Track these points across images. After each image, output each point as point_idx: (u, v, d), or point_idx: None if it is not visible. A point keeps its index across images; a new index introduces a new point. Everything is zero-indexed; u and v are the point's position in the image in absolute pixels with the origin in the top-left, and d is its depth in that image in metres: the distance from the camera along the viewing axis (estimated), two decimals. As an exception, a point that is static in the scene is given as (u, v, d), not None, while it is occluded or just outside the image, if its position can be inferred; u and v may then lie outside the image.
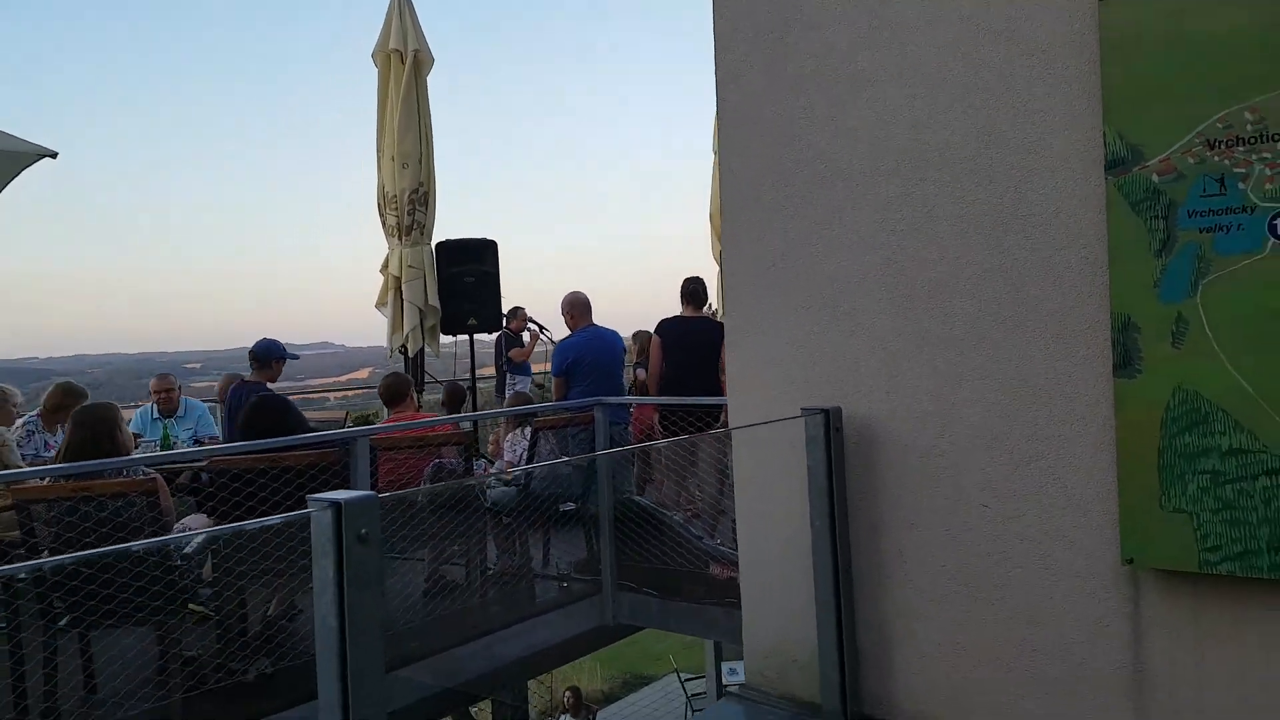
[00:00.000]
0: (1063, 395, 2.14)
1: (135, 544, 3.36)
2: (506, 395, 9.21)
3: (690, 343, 6.14)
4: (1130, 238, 1.98)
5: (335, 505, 1.32)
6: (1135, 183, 1.98)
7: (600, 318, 6.62)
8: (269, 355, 5.91)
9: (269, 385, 5.84)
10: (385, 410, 6.12)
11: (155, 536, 3.65)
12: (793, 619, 2.59)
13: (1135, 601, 2.04)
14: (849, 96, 2.45)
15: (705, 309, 6.47)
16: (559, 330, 7.53)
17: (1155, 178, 1.96)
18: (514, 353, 9.28)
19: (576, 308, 6.56)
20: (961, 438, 2.30)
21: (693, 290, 6.29)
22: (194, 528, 4.10)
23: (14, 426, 5.47)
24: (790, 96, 2.55)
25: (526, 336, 9.43)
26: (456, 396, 7.55)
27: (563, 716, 12.73)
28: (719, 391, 5.87)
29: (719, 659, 10.31)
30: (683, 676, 14.01)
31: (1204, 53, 1.90)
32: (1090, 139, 2.08)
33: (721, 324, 6.30)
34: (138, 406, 6.79)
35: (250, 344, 6.01)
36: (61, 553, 3.56)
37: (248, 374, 5.97)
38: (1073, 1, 2.10)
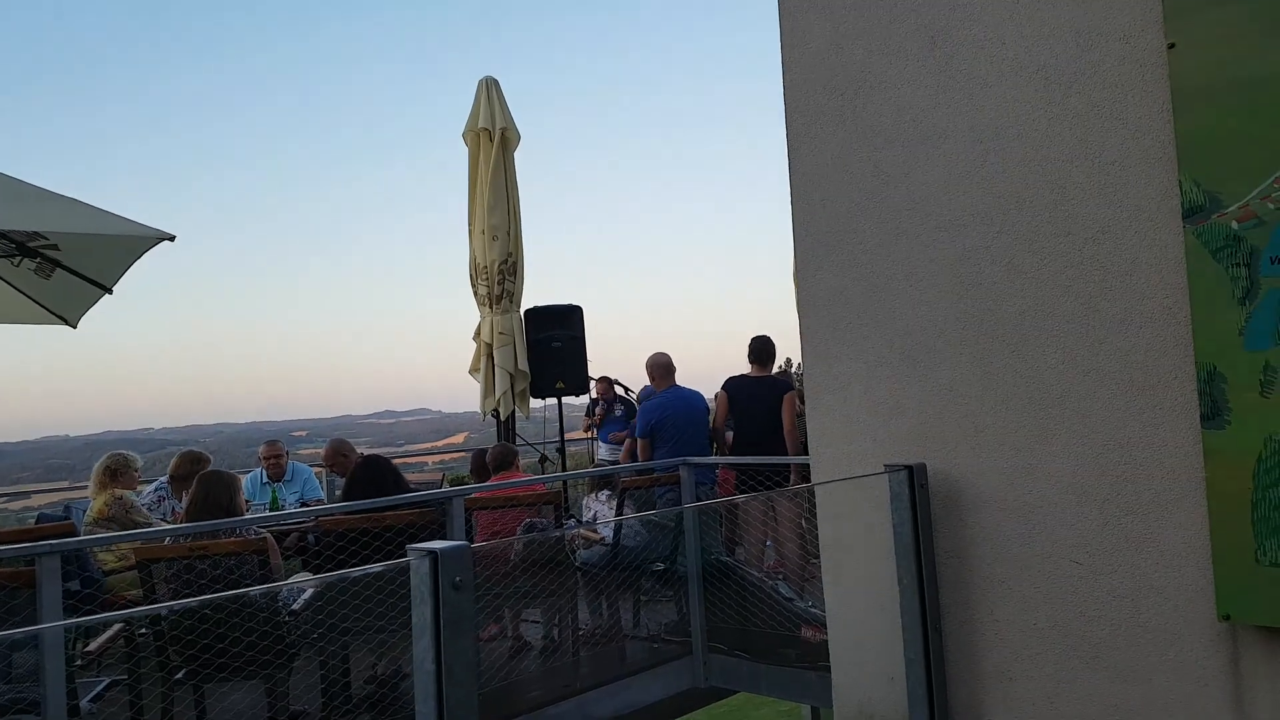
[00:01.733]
0: (1151, 448, 2.10)
1: (242, 591, 3.54)
2: (597, 457, 9.35)
3: (753, 402, 6.20)
4: (1212, 286, 1.97)
5: (432, 554, 1.41)
6: (1214, 231, 1.97)
7: (685, 378, 6.71)
8: None
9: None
10: (490, 475, 6.33)
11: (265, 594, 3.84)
12: (883, 680, 2.57)
13: (1235, 659, 1.96)
14: (921, 153, 2.50)
15: (777, 366, 6.51)
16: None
17: (1235, 225, 1.95)
18: (586, 421, 9.48)
19: (659, 369, 6.67)
20: (1049, 493, 2.27)
21: (757, 348, 6.37)
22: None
23: (147, 490, 5.85)
24: (862, 154, 2.61)
25: (599, 408, 9.58)
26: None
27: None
28: (782, 450, 5.90)
29: (816, 724, 10.01)
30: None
31: (1276, 97, 1.90)
32: (1166, 188, 2.08)
33: (784, 382, 6.33)
34: (248, 473, 7.14)
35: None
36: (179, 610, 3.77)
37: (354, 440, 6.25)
38: (1142, 50, 2.12)
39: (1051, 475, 2.26)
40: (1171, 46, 2.04)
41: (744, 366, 6.50)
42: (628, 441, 8.40)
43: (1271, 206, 1.90)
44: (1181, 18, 2.02)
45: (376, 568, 1.94)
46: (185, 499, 5.21)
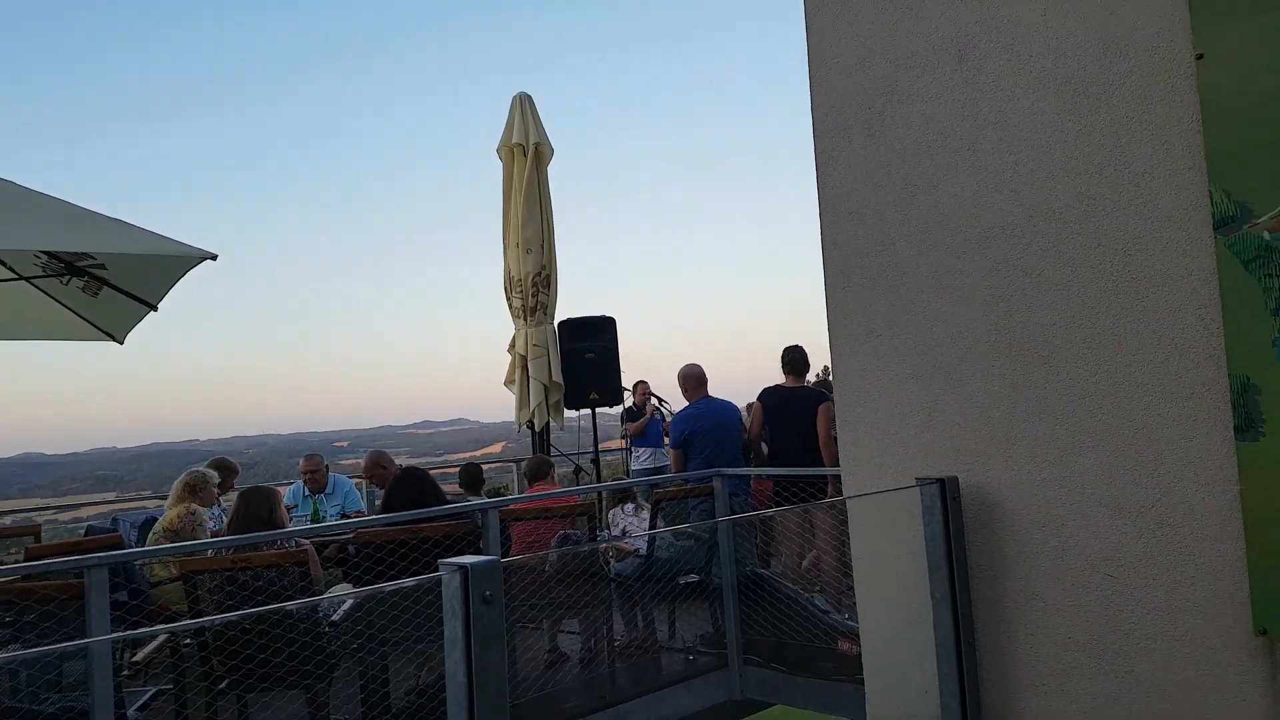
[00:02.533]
0: (1184, 460, 2.08)
1: (279, 605, 3.61)
2: (631, 468, 9.36)
3: (788, 413, 6.19)
4: (1244, 297, 1.95)
5: (462, 569, 1.45)
6: (1246, 241, 1.96)
7: (720, 389, 6.72)
8: None
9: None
10: (526, 484, 6.42)
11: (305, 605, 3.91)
12: (916, 693, 2.56)
13: (1273, 673, 1.94)
14: (950, 165, 2.50)
15: (815, 374, 6.50)
16: (677, 403, 7.65)
17: (1267, 235, 1.93)
18: (630, 427, 9.45)
19: (691, 380, 6.69)
20: (1083, 505, 2.26)
21: (791, 359, 6.37)
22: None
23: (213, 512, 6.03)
24: (890, 168, 2.62)
25: (650, 405, 9.57)
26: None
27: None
28: (817, 461, 5.89)
29: (854, 738, 9.92)
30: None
31: (1309, 108, 1.88)
32: (1197, 199, 2.06)
33: (819, 393, 6.32)
34: (290, 485, 7.28)
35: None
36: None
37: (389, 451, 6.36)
38: (1171, 61, 2.11)
39: (1084, 488, 2.25)
40: (1200, 57, 2.03)
41: (779, 377, 6.50)
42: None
43: (1304, 216, 1.88)
44: (1210, 29, 2.01)
45: (409, 582, 1.98)
46: (219, 507, 5.37)
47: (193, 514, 5.14)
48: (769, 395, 6.37)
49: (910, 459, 2.57)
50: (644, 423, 9.44)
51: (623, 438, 9.54)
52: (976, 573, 2.45)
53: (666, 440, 8.32)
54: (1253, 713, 1.98)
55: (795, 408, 6.20)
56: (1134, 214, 2.18)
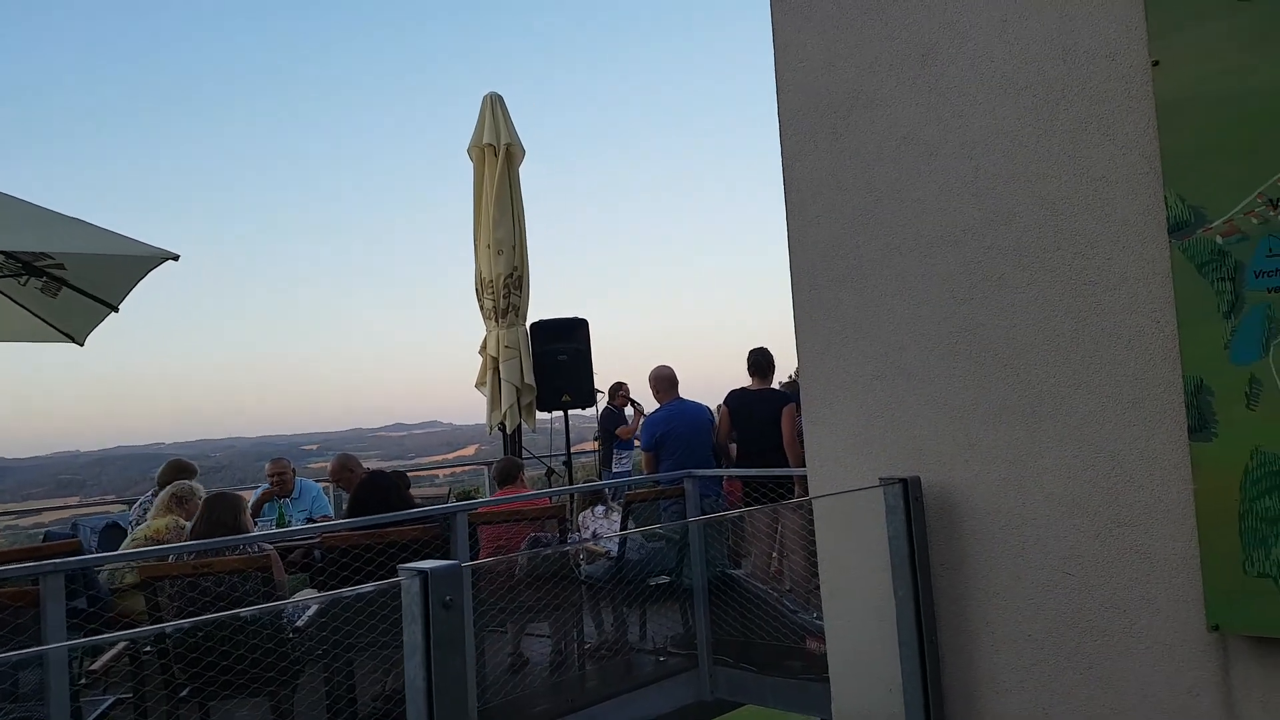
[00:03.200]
0: (1141, 460, 2.12)
1: (243, 610, 3.57)
2: (614, 470, 9.32)
3: (753, 415, 6.25)
4: (1198, 300, 1.99)
5: (422, 574, 1.44)
6: (1200, 245, 1.99)
7: (690, 390, 6.74)
8: None
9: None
10: (496, 487, 6.41)
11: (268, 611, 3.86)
12: (880, 691, 2.58)
13: (1225, 668, 1.97)
14: (913, 169, 2.53)
15: (787, 376, 6.55)
16: (650, 405, 7.65)
17: (1219, 239, 1.96)
18: (620, 430, 9.35)
19: (662, 382, 6.70)
20: (1042, 505, 2.29)
21: (755, 361, 6.42)
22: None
23: (134, 506, 5.99)
24: (855, 171, 2.64)
25: (630, 412, 9.52)
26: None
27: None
28: (783, 461, 5.94)
29: (824, 736, 9.97)
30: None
31: (1259, 112, 1.92)
32: (1153, 203, 2.10)
33: (782, 394, 6.38)
34: (256, 488, 7.19)
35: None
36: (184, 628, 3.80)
37: (360, 454, 6.31)
38: (1128, 67, 2.15)
39: (1043, 487, 2.28)
40: (1156, 64, 2.06)
41: (749, 379, 6.54)
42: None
43: (1255, 221, 1.92)
44: (1165, 35, 2.05)
45: (369, 588, 1.96)
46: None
47: (180, 528, 5.09)
48: (733, 398, 6.44)
49: (874, 459, 2.60)
50: (635, 425, 9.27)
51: (594, 438, 9.49)
52: (939, 571, 2.47)
53: (637, 443, 8.32)
54: (1206, 706, 2.01)
55: (759, 410, 6.25)
56: (1092, 218, 2.21)
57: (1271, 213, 1.90)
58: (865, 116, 2.62)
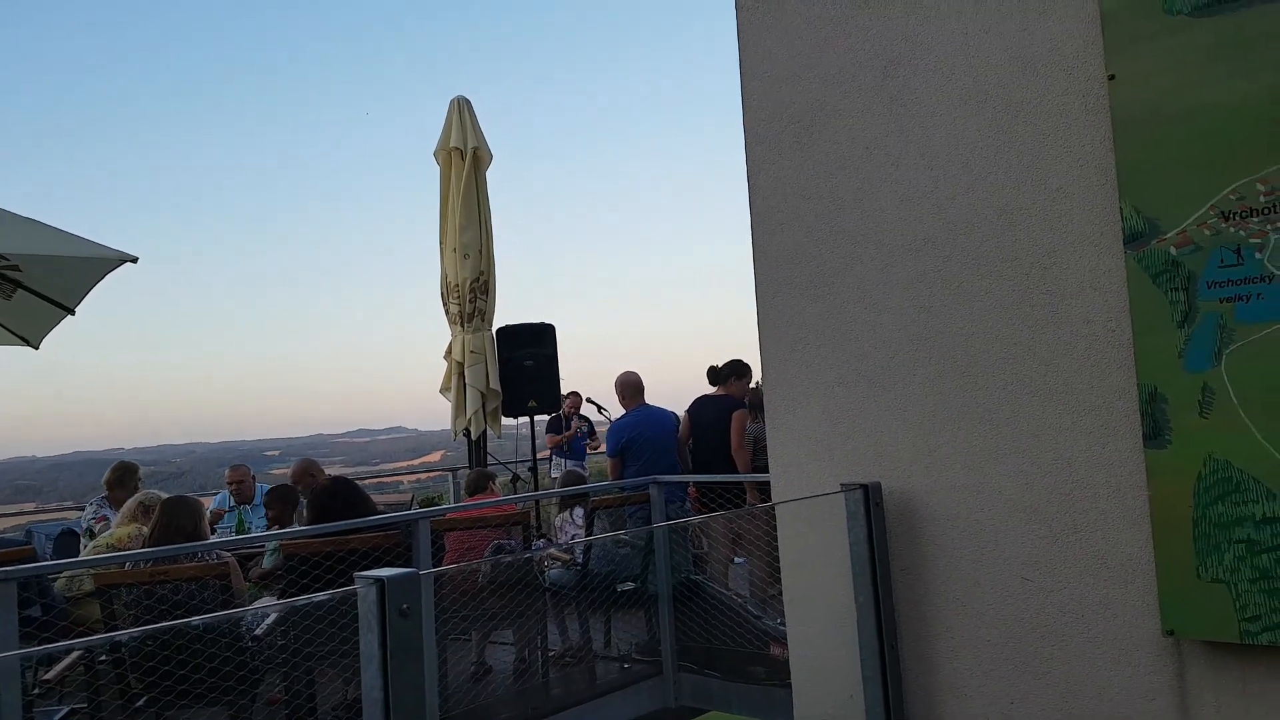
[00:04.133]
0: (1097, 467, 2.15)
1: (202, 618, 3.51)
2: (551, 475, 9.39)
3: (706, 421, 6.33)
4: (1153, 310, 2.02)
5: (379, 582, 1.42)
6: (1154, 256, 2.03)
7: (657, 396, 6.78)
8: None
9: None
10: (466, 498, 6.37)
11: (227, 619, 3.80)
12: (842, 696, 2.59)
13: (1180, 673, 2.01)
14: (875, 179, 2.55)
15: (739, 383, 6.63)
16: (616, 411, 7.67)
17: (1173, 250, 2.00)
18: (547, 438, 9.48)
19: (628, 388, 6.72)
20: (1000, 511, 2.32)
21: (713, 369, 6.57)
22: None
23: (86, 512, 5.87)
24: (819, 180, 2.66)
25: (574, 422, 9.60)
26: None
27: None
28: (732, 468, 6.03)
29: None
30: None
31: (1212, 126, 1.96)
32: (1109, 215, 2.14)
33: (735, 400, 6.45)
34: (216, 494, 7.08)
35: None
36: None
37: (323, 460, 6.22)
38: (1084, 81, 2.19)
39: (1002, 493, 2.31)
40: (1112, 78, 2.10)
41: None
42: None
43: (1207, 233, 1.96)
44: (1121, 50, 2.09)
45: (321, 596, 1.94)
46: (121, 507, 5.23)
47: (143, 536, 4.99)
48: (693, 406, 6.56)
49: (836, 465, 2.61)
50: (568, 437, 9.47)
51: (555, 445, 9.55)
52: (899, 577, 2.49)
53: (601, 449, 8.33)
54: (1161, 710, 2.05)
55: (710, 416, 6.32)
56: (1050, 229, 2.24)
57: (1224, 224, 1.94)
58: (829, 126, 2.64)
